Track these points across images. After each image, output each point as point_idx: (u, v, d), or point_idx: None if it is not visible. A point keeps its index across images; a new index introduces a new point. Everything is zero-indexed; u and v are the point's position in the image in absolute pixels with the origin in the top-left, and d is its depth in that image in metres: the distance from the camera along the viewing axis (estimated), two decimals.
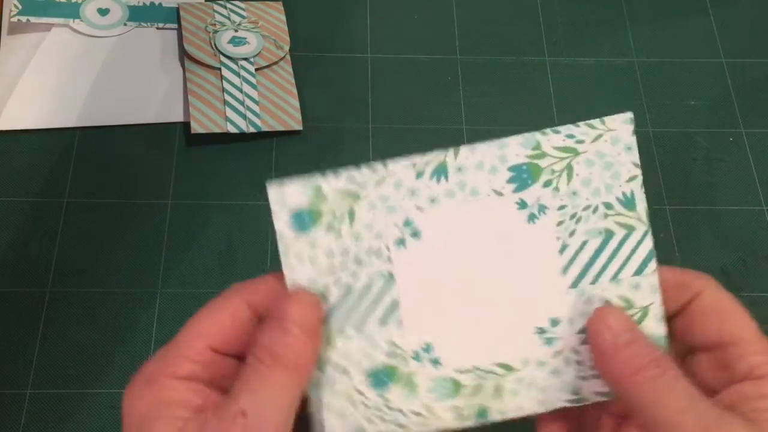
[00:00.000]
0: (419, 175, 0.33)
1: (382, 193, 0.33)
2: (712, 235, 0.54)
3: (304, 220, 0.33)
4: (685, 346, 0.34)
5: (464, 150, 0.33)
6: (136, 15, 0.60)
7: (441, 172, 0.33)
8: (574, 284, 0.33)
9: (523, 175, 0.33)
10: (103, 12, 0.60)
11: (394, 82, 0.59)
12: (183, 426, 0.29)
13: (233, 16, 0.60)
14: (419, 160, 0.33)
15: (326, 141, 0.57)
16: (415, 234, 0.33)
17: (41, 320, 0.48)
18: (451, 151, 0.33)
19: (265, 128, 0.55)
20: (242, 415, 0.29)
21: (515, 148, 0.33)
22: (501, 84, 0.60)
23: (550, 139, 0.33)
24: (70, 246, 0.51)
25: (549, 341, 0.33)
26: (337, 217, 0.33)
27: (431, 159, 0.33)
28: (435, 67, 0.60)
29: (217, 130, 0.55)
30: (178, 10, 0.60)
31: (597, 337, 0.32)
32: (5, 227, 0.51)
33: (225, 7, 0.60)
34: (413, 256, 0.33)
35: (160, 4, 0.61)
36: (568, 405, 0.34)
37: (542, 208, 0.33)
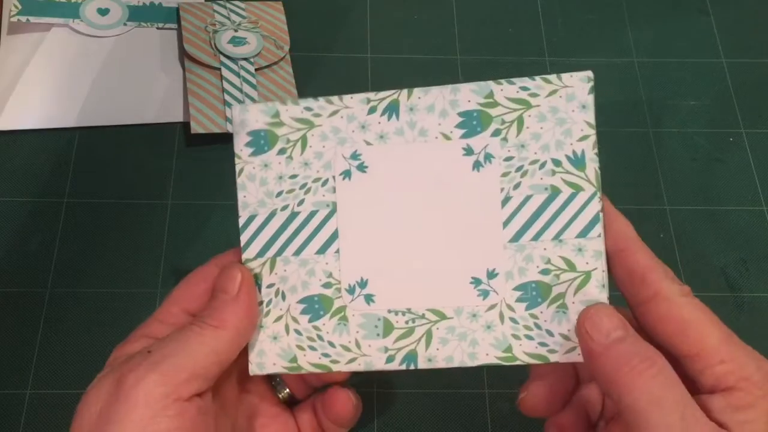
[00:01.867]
0: (372, 110, 0.34)
1: (335, 124, 0.34)
2: (712, 235, 0.54)
3: (260, 141, 0.34)
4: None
5: (417, 91, 0.34)
6: (136, 15, 0.60)
7: (393, 109, 0.34)
8: (515, 239, 0.33)
9: (472, 122, 0.33)
10: (103, 12, 0.60)
11: (394, 82, 0.59)
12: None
13: (233, 16, 0.60)
14: (374, 96, 0.34)
15: None
16: (362, 167, 0.34)
17: (41, 320, 0.48)
18: (405, 91, 0.34)
19: None
20: (147, 352, 0.31)
21: (468, 94, 0.33)
22: None
23: (504, 89, 0.33)
24: (70, 246, 0.51)
25: (484, 293, 0.33)
26: (291, 142, 0.34)
27: (385, 96, 0.34)
28: (435, 67, 0.60)
29: (217, 130, 0.55)
30: (178, 10, 0.60)
31: (586, 337, 0.31)
32: (5, 227, 0.51)
33: (225, 7, 0.60)
34: (357, 189, 0.34)
35: (160, 4, 0.61)
36: (497, 362, 0.33)
37: (488, 157, 0.33)
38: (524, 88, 0.33)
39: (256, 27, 0.59)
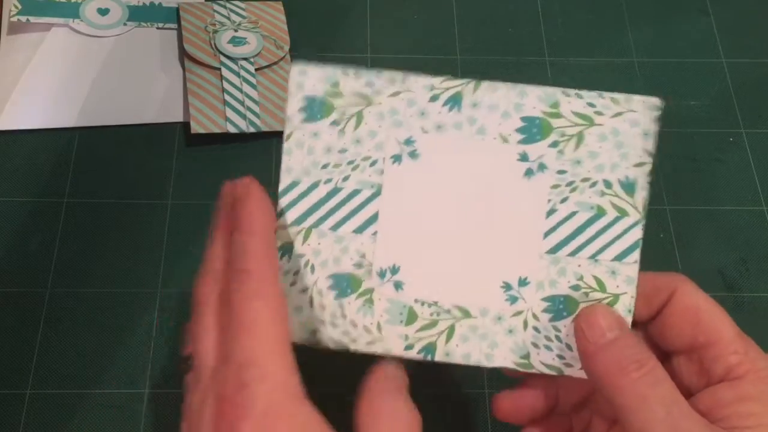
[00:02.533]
0: (434, 98, 0.33)
1: (394, 105, 0.33)
2: (712, 235, 0.54)
3: (314, 108, 0.34)
4: (662, 350, 0.34)
5: (485, 86, 0.33)
6: (136, 15, 0.60)
7: (456, 101, 0.33)
8: (552, 251, 0.33)
9: (533, 129, 0.33)
10: (103, 12, 0.60)
11: None
12: None
13: (233, 16, 0.60)
14: (439, 83, 0.33)
15: None
16: (413, 154, 0.33)
17: (41, 320, 0.48)
18: (471, 83, 0.33)
19: (265, 128, 0.55)
20: (246, 273, 0.30)
21: (533, 100, 0.33)
22: None
23: (571, 102, 0.33)
24: (70, 246, 0.51)
25: (512, 299, 0.33)
26: (346, 116, 0.33)
27: (450, 85, 0.33)
28: (435, 67, 0.60)
29: (217, 130, 0.55)
30: (178, 10, 0.60)
31: (581, 335, 0.32)
32: (5, 227, 0.51)
33: (225, 7, 0.60)
34: (406, 175, 0.33)
35: (160, 4, 0.61)
36: (513, 367, 0.34)
37: (542, 167, 0.33)
38: (591, 105, 0.33)
39: (256, 27, 0.59)
